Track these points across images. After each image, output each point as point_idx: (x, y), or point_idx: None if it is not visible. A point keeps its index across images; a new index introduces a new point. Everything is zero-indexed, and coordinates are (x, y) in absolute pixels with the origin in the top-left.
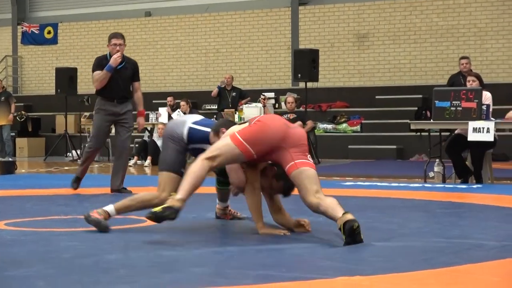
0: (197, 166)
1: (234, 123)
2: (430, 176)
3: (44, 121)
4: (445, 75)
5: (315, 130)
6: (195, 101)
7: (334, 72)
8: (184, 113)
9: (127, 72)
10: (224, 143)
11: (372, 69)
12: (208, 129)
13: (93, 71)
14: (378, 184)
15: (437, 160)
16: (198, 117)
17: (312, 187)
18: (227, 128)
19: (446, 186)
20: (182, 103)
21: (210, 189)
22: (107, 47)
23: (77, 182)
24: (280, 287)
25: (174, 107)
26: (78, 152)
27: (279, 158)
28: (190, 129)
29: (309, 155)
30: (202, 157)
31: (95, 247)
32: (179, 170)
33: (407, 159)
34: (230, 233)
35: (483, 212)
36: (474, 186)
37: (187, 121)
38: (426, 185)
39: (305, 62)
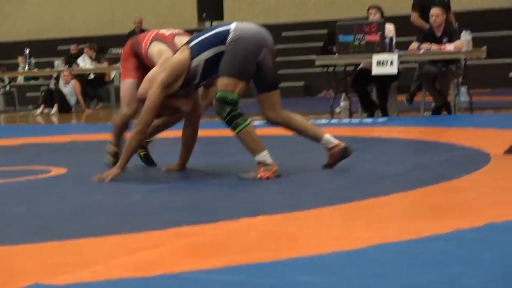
0: None
1: None
2: (337, 111)
3: None
4: (349, 10)
5: None
6: (101, 45)
7: (239, 10)
8: (91, 58)
9: None
10: None
11: (277, 5)
12: None
13: None
14: None
15: (343, 95)
16: None
17: None
18: None
19: (353, 121)
20: (86, 49)
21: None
22: None
23: None
24: (184, 231)
25: (78, 54)
26: None
27: None
28: None
29: None
30: None
31: None
32: None
33: (315, 95)
34: (134, 178)
35: (389, 145)
36: (380, 120)
37: None
38: (332, 121)
39: (209, 1)
